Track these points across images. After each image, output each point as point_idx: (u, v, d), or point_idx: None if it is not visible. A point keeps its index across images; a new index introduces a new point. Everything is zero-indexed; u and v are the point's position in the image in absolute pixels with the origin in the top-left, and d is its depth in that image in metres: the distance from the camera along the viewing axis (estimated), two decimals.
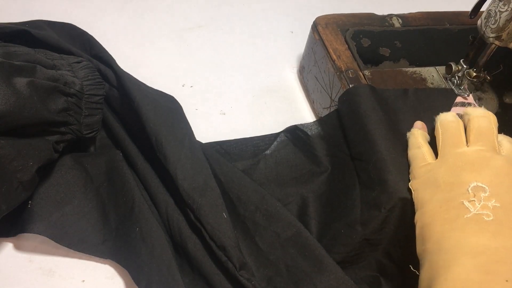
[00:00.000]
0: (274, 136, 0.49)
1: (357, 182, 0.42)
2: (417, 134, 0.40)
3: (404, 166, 0.39)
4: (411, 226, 0.36)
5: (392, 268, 0.40)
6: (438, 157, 0.37)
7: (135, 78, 0.47)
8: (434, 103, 0.43)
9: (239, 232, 0.41)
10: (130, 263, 0.39)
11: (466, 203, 0.32)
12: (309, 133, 0.48)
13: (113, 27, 0.62)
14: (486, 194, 0.32)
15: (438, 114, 0.40)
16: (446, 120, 0.38)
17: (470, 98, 0.45)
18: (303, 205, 0.44)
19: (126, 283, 0.40)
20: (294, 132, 0.49)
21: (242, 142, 0.49)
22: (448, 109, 0.43)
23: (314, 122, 0.49)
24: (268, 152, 0.48)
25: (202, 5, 0.68)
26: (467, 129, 0.37)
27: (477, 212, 0.31)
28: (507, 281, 0.27)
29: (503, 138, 0.37)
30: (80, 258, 0.41)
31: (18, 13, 0.61)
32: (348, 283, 0.36)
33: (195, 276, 0.39)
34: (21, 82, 0.36)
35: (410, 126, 0.42)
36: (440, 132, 0.38)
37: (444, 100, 0.44)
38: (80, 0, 0.65)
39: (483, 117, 0.37)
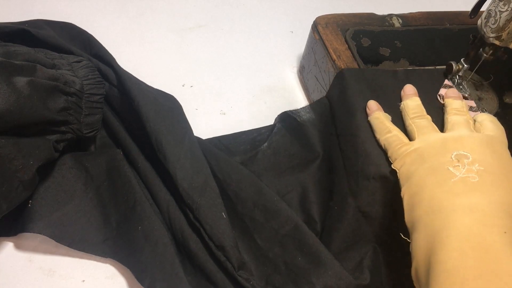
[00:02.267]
0: (271, 127, 0.50)
1: (341, 156, 0.43)
2: (382, 118, 0.40)
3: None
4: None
5: (391, 241, 0.40)
6: (417, 139, 0.38)
7: (135, 77, 0.47)
8: (423, 83, 0.44)
9: (238, 230, 0.42)
10: (132, 261, 0.39)
11: (451, 169, 0.33)
12: (299, 120, 0.48)
13: (113, 27, 0.62)
14: (469, 160, 0.33)
15: (424, 94, 0.43)
16: (415, 116, 0.40)
17: (471, 102, 0.45)
18: (303, 192, 0.45)
19: (126, 283, 0.40)
20: (288, 120, 0.49)
21: (240, 135, 0.50)
22: (437, 90, 0.45)
23: (304, 107, 0.49)
24: (266, 144, 0.49)
25: (202, 5, 0.68)
26: (444, 123, 0.39)
27: (463, 176, 0.32)
28: (505, 232, 0.29)
29: (485, 117, 0.39)
30: (80, 258, 0.41)
31: (18, 13, 0.61)
32: (347, 279, 0.36)
33: (197, 274, 0.39)
34: (21, 81, 0.36)
35: (399, 102, 0.43)
36: (413, 126, 0.39)
37: (433, 81, 0.45)
38: (80, 0, 0.65)
39: (458, 112, 0.39)
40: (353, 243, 0.40)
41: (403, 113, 0.42)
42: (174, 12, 0.66)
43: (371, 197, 0.39)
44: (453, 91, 0.43)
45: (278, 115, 0.50)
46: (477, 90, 0.48)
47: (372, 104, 0.42)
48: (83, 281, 0.40)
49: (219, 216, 0.39)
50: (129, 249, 0.39)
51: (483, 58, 0.43)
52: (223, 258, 0.37)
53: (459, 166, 0.33)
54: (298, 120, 0.48)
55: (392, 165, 0.38)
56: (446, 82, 0.46)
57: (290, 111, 0.49)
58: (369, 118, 0.42)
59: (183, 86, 0.58)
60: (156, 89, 0.49)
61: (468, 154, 0.33)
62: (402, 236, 0.34)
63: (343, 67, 0.48)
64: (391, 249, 0.40)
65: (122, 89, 0.45)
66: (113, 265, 0.41)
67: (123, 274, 0.41)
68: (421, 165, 0.35)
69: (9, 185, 0.35)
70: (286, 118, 0.49)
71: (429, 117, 0.40)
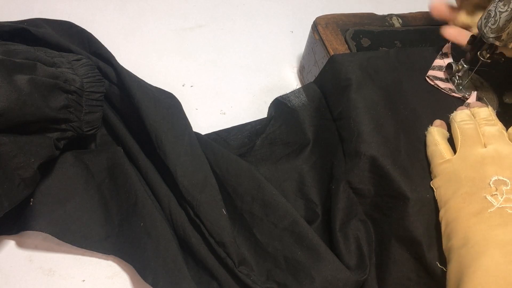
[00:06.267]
0: (269, 119, 0.50)
1: (339, 140, 0.44)
2: (434, 132, 0.40)
3: (379, 121, 0.42)
4: (394, 180, 0.38)
5: (381, 219, 0.40)
6: (457, 154, 0.37)
7: (134, 75, 0.47)
8: (414, 62, 0.46)
9: (238, 225, 0.42)
10: (135, 258, 0.39)
11: (489, 198, 0.32)
12: (289, 105, 0.49)
13: (113, 27, 0.62)
14: (508, 187, 0.32)
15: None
16: (463, 122, 0.39)
17: (473, 96, 0.45)
18: (300, 178, 0.45)
19: (127, 283, 0.40)
20: (280, 107, 0.50)
21: (239, 127, 0.50)
22: (427, 69, 0.47)
23: (293, 91, 0.50)
24: (263, 135, 0.49)
25: (202, 4, 0.68)
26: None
27: (500, 206, 0.32)
28: None
29: None
30: (80, 258, 0.41)
31: (17, 12, 0.60)
32: (346, 273, 0.36)
33: (200, 269, 0.39)
34: (22, 79, 0.36)
35: (390, 83, 0.45)
36: (458, 133, 0.39)
37: (424, 60, 0.47)
38: (81, 1, 0.65)
39: (488, 122, 0.39)
40: (347, 220, 0.40)
41: (451, 122, 0.41)
42: (174, 12, 0.66)
43: (362, 174, 0.40)
44: (477, 102, 0.42)
45: (271, 103, 0.51)
46: (476, 90, 0.48)
47: (436, 121, 0.42)
48: (83, 280, 0.40)
49: (219, 212, 0.39)
50: (132, 246, 0.39)
51: (482, 59, 0.43)
52: (224, 254, 0.37)
53: (497, 194, 0.32)
54: (289, 105, 0.49)
55: (431, 182, 0.38)
56: (436, 62, 0.47)
57: (280, 96, 0.50)
58: (426, 131, 0.41)
59: (183, 86, 0.58)
60: (155, 87, 0.49)
61: (507, 181, 0.33)
62: (439, 265, 0.34)
63: None
64: (381, 225, 0.40)
65: (122, 87, 0.45)
66: (113, 265, 0.41)
67: (123, 273, 0.41)
68: (458, 189, 0.34)
69: (10, 182, 0.35)
70: (279, 105, 0.50)
71: (476, 124, 0.39)
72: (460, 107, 0.43)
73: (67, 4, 0.63)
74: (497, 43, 0.41)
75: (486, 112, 0.40)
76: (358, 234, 0.39)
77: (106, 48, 0.48)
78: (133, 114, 0.44)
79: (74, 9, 0.63)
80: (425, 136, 0.42)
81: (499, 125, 0.38)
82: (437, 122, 0.42)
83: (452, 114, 0.42)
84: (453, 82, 0.46)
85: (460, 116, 0.40)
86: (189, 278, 0.36)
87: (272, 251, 0.39)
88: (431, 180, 0.38)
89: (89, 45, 0.49)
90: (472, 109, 0.41)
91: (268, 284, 0.38)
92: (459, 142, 0.38)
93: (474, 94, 0.45)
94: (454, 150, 0.39)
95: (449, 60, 0.47)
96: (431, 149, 0.39)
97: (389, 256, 0.38)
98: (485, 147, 0.36)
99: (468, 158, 0.36)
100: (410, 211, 0.37)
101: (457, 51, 0.48)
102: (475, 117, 0.40)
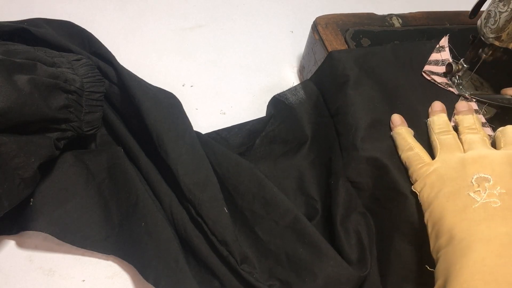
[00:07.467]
0: (268, 118, 0.50)
1: (336, 135, 0.44)
2: (404, 134, 0.40)
3: (376, 116, 0.42)
4: (391, 174, 0.39)
5: (381, 211, 0.40)
6: (437, 158, 0.37)
7: (134, 75, 0.47)
8: (411, 58, 0.47)
9: (239, 223, 0.42)
10: (136, 258, 0.39)
11: (472, 194, 0.32)
12: (287, 102, 0.49)
13: (113, 27, 0.62)
14: (491, 183, 0.32)
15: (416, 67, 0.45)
16: (441, 132, 0.39)
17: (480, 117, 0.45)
18: (299, 175, 0.45)
19: (127, 283, 0.40)
20: (278, 105, 0.50)
21: (239, 126, 0.50)
22: (423, 64, 0.47)
23: (290, 89, 0.50)
24: (263, 133, 0.49)
25: (202, 4, 0.68)
26: (461, 141, 0.39)
27: (484, 201, 0.32)
28: None
29: (507, 127, 0.38)
30: (80, 258, 0.41)
31: (17, 12, 0.60)
32: (347, 269, 0.36)
33: (201, 268, 0.39)
34: (22, 79, 0.36)
35: (387, 79, 0.45)
36: (437, 143, 0.39)
37: (421, 55, 0.47)
38: (81, 1, 0.65)
39: (471, 130, 0.39)
40: (347, 215, 0.40)
41: (429, 129, 0.41)
42: (174, 12, 0.66)
43: (359, 167, 0.40)
44: (463, 105, 0.42)
45: (269, 101, 0.51)
46: (476, 90, 0.48)
47: (396, 119, 0.42)
48: (83, 280, 0.40)
49: (220, 211, 0.39)
50: (132, 246, 0.39)
51: (482, 59, 0.43)
52: (226, 253, 0.37)
53: (479, 191, 0.32)
54: (286, 103, 0.49)
55: (412, 186, 0.37)
56: (432, 56, 0.47)
57: (278, 94, 0.50)
58: (391, 132, 0.41)
59: (183, 86, 0.58)
60: (155, 86, 0.49)
61: (489, 177, 0.33)
62: (428, 268, 0.34)
63: None
64: (381, 218, 0.41)
65: (122, 87, 0.45)
66: (113, 265, 0.41)
67: (123, 273, 0.40)
68: (441, 190, 0.34)
69: (10, 182, 0.35)
70: (277, 103, 0.50)
71: (455, 133, 0.39)
72: (458, 103, 0.43)
73: (67, 4, 0.63)
74: (497, 43, 0.41)
75: (470, 121, 0.40)
76: (358, 228, 0.40)
77: (106, 48, 0.48)
78: (134, 114, 0.44)
79: (74, 9, 0.63)
80: (421, 129, 0.42)
81: (482, 133, 0.39)
82: (397, 120, 0.42)
83: (429, 119, 0.42)
84: (453, 82, 0.46)
85: (438, 125, 0.40)
86: (191, 277, 0.36)
87: (273, 249, 0.39)
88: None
89: (89, 45, 0.49)
90: (457, 117, 0.41)
91: (270, 282, 0.38)
92: (438, 151, 0.38)
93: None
94: (431, 154, 0.39)
95: (446, 53, 0.47)
96: (407, 155, 0.39)
97: (390, 248, 0.38)
98: (466, 152, 0.37)
99: (449, 161, 0.36)
100: (409, 202, 0.37)
101: (455, 48, 0.48)
102: (459, 125, 0.40)
